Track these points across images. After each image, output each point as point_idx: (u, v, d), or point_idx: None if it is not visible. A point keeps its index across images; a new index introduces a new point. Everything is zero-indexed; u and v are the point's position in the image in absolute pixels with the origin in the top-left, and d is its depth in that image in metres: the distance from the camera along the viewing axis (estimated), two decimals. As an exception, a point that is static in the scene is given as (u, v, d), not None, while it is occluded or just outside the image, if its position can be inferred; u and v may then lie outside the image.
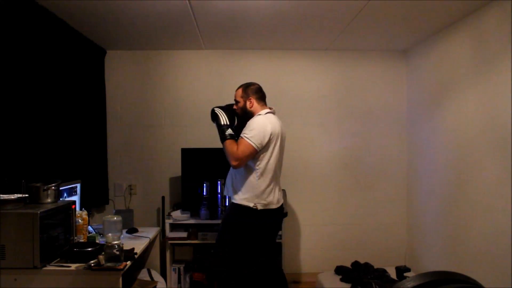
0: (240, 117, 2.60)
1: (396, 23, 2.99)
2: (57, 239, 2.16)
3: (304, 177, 3.80)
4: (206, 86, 3.76)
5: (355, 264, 3.38)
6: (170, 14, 2.76)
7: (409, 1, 2.53)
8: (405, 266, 2.82)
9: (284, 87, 3.80)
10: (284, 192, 3.49)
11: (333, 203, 3.81)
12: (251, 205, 2.40)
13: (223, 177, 3.38)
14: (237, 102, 2.60)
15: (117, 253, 2.07)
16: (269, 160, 2.44)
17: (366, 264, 3.32)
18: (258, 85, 2.64)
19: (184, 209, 3.41)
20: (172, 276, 3.37)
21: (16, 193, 2.13)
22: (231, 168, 2.57)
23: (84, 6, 2.60)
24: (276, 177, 2.50)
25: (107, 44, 3.54)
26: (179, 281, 3.39)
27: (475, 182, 2.71)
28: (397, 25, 3.05)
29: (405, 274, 2.74)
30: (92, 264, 2.07)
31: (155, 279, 3.04)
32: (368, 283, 2.82)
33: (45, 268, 2.04)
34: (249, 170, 2.44)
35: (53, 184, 2.23)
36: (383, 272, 3.13)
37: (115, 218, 2.60)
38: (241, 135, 2.43)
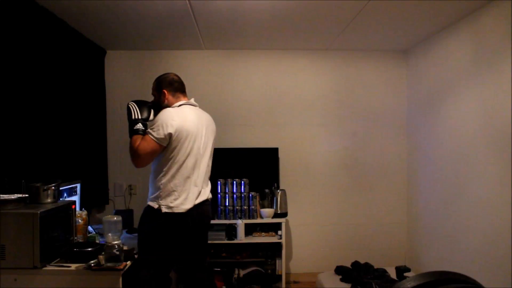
0: (156, 112, 2.30)
1: (396, 23, 2.99)
2: (57, 239, 2.16)
3: (304, 177, 3.80)
4: (206, 86, 3.75)
5: (355, 264, 3.38)
6: (170, 14, 2.76)
7: (409, 1, 2.53)
8: (405, 266, 2.83)
9: (284, 87, 3.80)
10: (284, 192, 3.50)
11: (333, 203, 3.81)
12: (156, 206, 2.16)
13: (223, 177, 3.40)
14: (154, 96, 2.36)
15: (117, 253, 2.07)
16: (177, 157, 2.16)
17: (366, 264, 3.32)
18: (174, 75, 2.35)
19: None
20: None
21: (16, 193, 2.13)
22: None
23: (84, 6, 2.60)
24: (189, 177, 2.20)
25: (107, 44, 3.54)
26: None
27: (475, 182, 2.71)
28: (397, 25, 3.05)
29: (405, 274, 2.75)
30: (92, 264, 2.07)
31: (155, 279, 3.04)
32: (368, 283, 2.82)
33: (45, 268, 2.04)
34: (157, 170, 2.20)
35: (53, 184, 2.22)
36: (383, 272, 3.13)
37: (115, 218, 2.59)
38: (146, 131, 2.18)
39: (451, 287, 1.09)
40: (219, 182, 3.37)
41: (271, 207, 3.48)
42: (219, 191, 3.37)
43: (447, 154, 3.06)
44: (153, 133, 2.12)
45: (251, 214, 3.42)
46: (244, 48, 3.73)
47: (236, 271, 3.42)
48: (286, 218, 3.47)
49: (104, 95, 3.65)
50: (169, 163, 2.17)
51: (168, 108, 2.23)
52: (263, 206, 3.49)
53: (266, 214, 3.39)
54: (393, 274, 2.96)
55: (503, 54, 2.42)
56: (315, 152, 3.81)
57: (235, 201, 3.39)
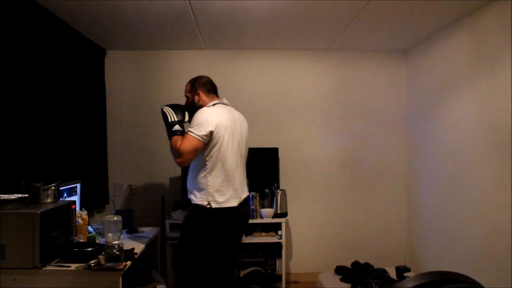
0: (191, 113, 2.43)
1: (396, 23, 2.99)
2: (57, 239, 2.16)
3: (304, 177, 3.80)
4: (206, 86, 3.75)
5: (355, 264, 3.38)
6: (170, 14, 2.76)
7: (409, 1, 2.53)
8: (405, 266, 2.82)
9: (284, 87, 3.80)
10: (284, 192, 3.50)
11: (333, 203, 3.81)
12: (205, 203, 2.23)
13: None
14: (187, 97, 2.49)
15: (117, 253, 2.07)
16: (219, 154, 2.25)
17: (366, 264, 3.32)
18: (207, 77, 2.51)
19: (184, 209, 3.41)
20: (172, 276, 3.37)
21: (16, 193, 2.13)
22: (188, 171, 2.40)
23: (84, 6, 2.60)
24: (232, 173, 2.30)
25: (107, 44, 3.54)
26: (179, 281, 3.39)
27: (475, 182, 2.71)
28: (397, 25, 3.05)
29: (405, 274, 2.74)
30: (92, 264, 2.07)
31: (155, 279, 3.04)
32: (368, 283, 2.82)
33: (45, 268, 2.04)
34: (200, 168, 2.27)
35: (53, 184, 2.22)
36: (383, 272, 3.13)
37: (115, 218, 2.60)
38: (186, 130, 2.29)
39: (451, 287, 1.09)
40: (219, 182, 3.36)
41: (271, 207, 3.47)
42: (219, 191, 3.36)
43: (447, 154, 3.06)
44: (194, 131, 2.21)
45: (251, 214, 3.41)
46: (244, 48, 3.73)
47: (236, 271, 3.42)
48: (286, 218, 3.47)
49: (104, 95, 3.65)
50: (212, 160, 2.25)
51: (205, 108, 2.33)
52: (263, 206, 3.49)
53: (266, 214, 3.39)
54: (393, 274, 2.96)
55: (503, 54, 2.42)
56: (315, 152, 3.82)
57: (235, 201, 3.38)
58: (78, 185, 2.87)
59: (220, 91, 3.73)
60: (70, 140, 2.99)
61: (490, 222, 2.56)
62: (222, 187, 2.25)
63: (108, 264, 2.06)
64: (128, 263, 2.19)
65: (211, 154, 2.25)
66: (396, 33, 3.26)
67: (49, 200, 2.19)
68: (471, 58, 2.77)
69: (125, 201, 3.69)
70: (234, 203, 2.29)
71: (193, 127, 2.23)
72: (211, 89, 2.49)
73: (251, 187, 3.42)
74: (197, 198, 2.27)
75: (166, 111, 2.41)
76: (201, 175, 2.26)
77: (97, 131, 3.50)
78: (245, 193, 2.41)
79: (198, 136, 2.20)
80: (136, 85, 3.74)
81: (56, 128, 2.78)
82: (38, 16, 2.52)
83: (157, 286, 2.93)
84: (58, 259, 2.16)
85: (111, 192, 3.69)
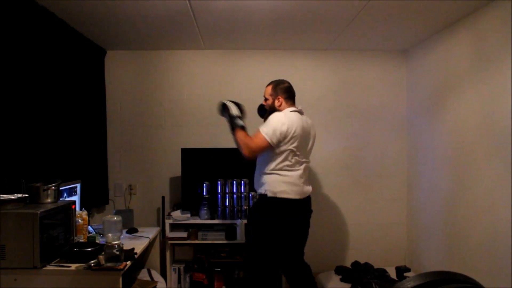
0: (266, 113, 2.65)
1: (396, 23, 2.99)
2: (57, 239, 2.16)
3: (304, 177, 3.80)
4: (206, 86, 3.76)
5: (355, 264, 3.39)
6: (170, 14, 2.76)
7: (409, 1, 2.53)
8: (405, 266, 2.83)
9: (284, 87, 3.79)
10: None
11: (333, 203, 3.81)
12: (270, 194, 2.45)
13: (223, 177, 3.40)
14: (266, 99, 2.66)
15: (117, 253, 2.08)
16: (287, 155, 2.46)
17: (366, 264, 3.33)
18: (288, 83, 2.67)
19: (184, 209, 3.41)
20: (172, 276, 3.37)
21: (16, 193, 2.13)
22: (256, 164, 2.63)
23: (84, 6, 2.60)
24: (297, 171, 2.51)
25: (107, 44, 3.54)
26: (179, 281, 3.39)
27: (475, 182, 2.71)
28: (397, 25, 3.05)
29: (405, 274, 2.75)
30: (92, 264, 2.07)
31: (155, 279, 3.05)
32: (368, 283, 2.82)
33: (45, 268, 2.04)
34: (268, 162, 2.49)
35: (53, 184, 2.23)
36: (383, 272, 3.13)
37: (115, 218, 2.60)
38: (259, 128, 2.47)
39: (451, 287, 1.09)
40: (219, 182, 3.37)
41: (271, 207, 3.48)
42: (219, 191, 3.37)
43: (447, 153, 3.06)
44: (266, 134, 2.42)
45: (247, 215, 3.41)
46: (244, 48, 3.73)
47: (236, 271, 3.42)
48: (286, 218, 3.46)
49: (104, 95, 3.65)
50: (280, 158, 2.46)
51: (278, 113, 2.52)
52: (263, 206, 3.49)
53: (266, 214, 3.39)
54: (393, 274, 2.96)
55: (503, 54, 2.42)
56: (315, 152, 3.75)
57: (235, 201, 3.39)
58: (78, 185, 2.87)
59: (220, 91, 3.76)
60: (70, 140, 2.99)
61: (490, 222, 2.56)
62: (287, 181, 2.46)
63: (108, 264, 2.06)
64: (128, 263, 2.19)
65: (280, 151, 2.46)
66: (396, 33, 3.26)
67: (49, 200, 2.19)
68: (471, 58, 2.77)
69: (125, 201, 3.69)
70: (294, 196, 2.48)
71: (266, 129, 2.43)
72: (290, 96, 2.65)
73: (251, 187, 3.44)
74: (263, 189, 2.49)
75: (228, 104, 2.59)
76: (268, 170, 2.48)
77: (97, 131, 3.50)
78: (309, 190, 2.62)
79: (269, 139, 2.41)
80: (136, 85, 3.74)
81: (56, 128, 2.78)
82: (38, 16, 2.52)
83: (157, 286, 2.93)
84: (58, 259, 2.16)
85: (111, 192, 3.69)
